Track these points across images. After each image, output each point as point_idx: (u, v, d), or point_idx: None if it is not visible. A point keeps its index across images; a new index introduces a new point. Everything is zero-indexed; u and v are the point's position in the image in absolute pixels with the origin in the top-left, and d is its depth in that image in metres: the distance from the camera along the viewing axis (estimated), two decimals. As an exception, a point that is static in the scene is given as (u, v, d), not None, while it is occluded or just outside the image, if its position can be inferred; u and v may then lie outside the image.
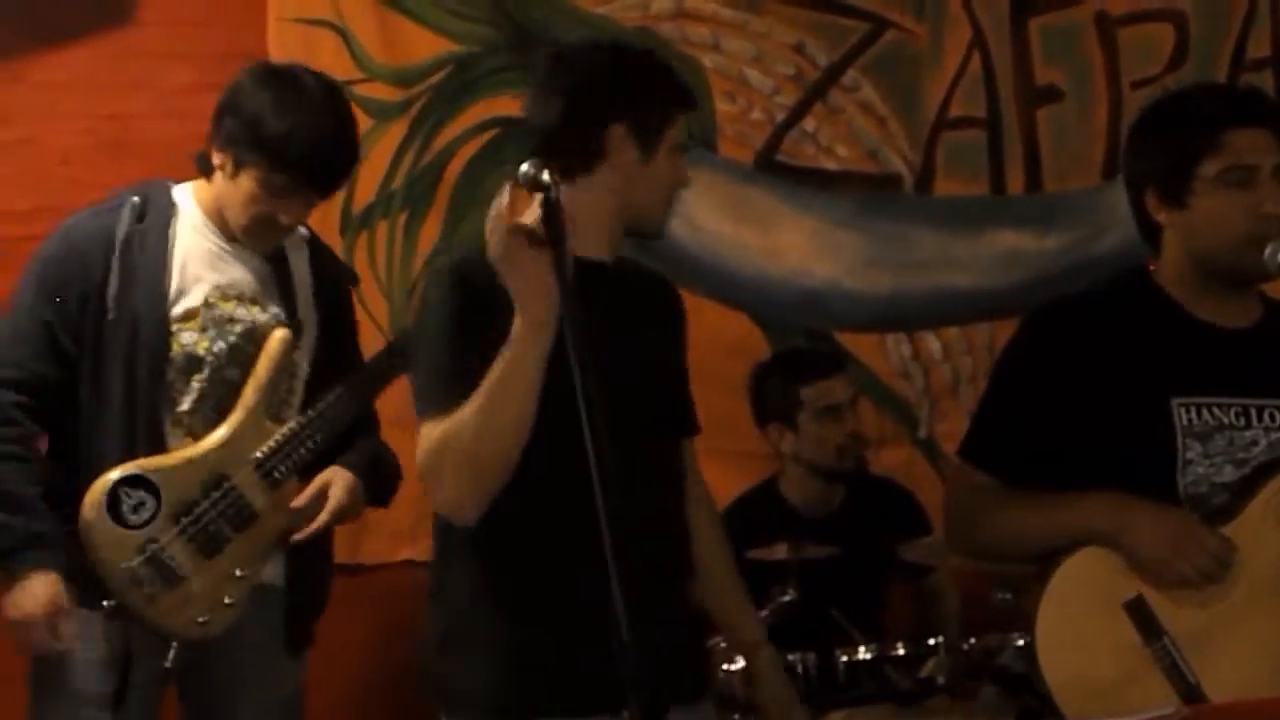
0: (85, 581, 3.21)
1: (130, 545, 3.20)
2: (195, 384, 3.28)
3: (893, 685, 4.04)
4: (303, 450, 3.34)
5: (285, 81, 3.29)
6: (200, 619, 3.25)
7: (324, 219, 4.60)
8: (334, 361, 3.45)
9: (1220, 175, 2.93)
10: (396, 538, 4.74)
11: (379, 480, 3.46)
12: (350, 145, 3.37)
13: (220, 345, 3.29)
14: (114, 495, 3.19)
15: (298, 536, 3.34)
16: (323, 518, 3.35)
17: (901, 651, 4.07)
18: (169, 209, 3.33)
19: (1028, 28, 5.10)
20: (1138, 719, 2.43)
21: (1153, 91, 4.85)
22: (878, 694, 4.04)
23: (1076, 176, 5.11)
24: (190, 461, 3.25)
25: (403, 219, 4.75)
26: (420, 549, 4.73)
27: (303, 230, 3.47)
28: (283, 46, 4.66)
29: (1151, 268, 3.07)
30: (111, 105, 4.53)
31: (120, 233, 3.27)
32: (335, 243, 4.64)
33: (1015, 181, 5.12)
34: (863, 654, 4.05)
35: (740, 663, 3.59)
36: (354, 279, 3.63)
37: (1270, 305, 3.08)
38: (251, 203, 3.28)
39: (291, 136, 3.21)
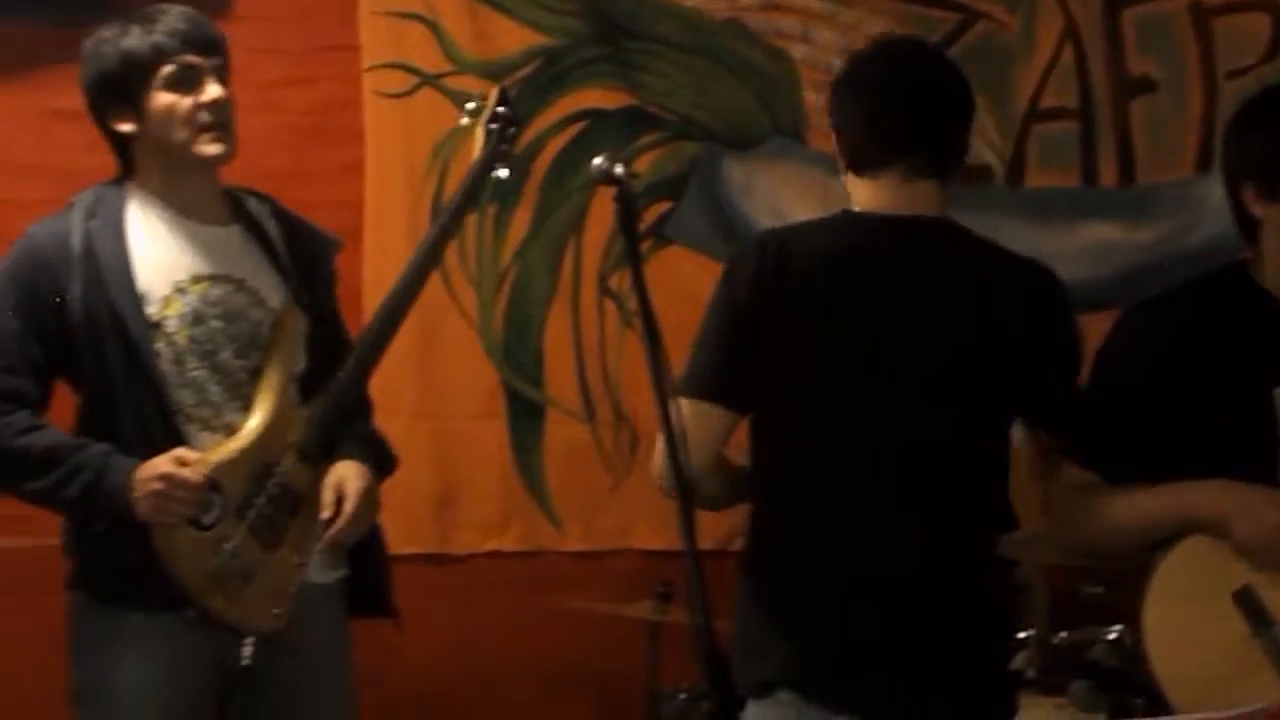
0: (158, 592, 3.11)
1: (208, 548, 3.12)
2: (191, 374, 3.18)
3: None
4: (330, 427, 3.26)
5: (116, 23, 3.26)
6: (275, 610, 3.18)
7: (416, 211, 4.66)
8: (321, 330, 3.33)
9: (1319, 171, 2.90)
10: (485, 529, 4.77)
11: (381, 459, 3.35)
12: (200, 9, 3.30)
13: (203, 329, 3.20)
14: None
15: (331, 534, 3.22)
16: (349, 509, 3.22)
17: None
18: (119, 201, 3.24)
19: (1121, 18, 5.05)
20: (1226, 714, 2.40)
21: (1248, 82, 4.79)
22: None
23: (1170, 168, 5.06)
24: (241, 453, 3.16)
25: (492, 211, 4.77)
26: (508, 540, 4.79)
27: (265, 203, 3.38)
28: (374, 40, 4.70)
29: (1246, 261, 3.04)
30: (206, 98, 4.58)
31: (76, 235, 3.17)
32: (425, 235, 4.69)
33: (1108, 173, 5.07)
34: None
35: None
36: (335, 244, 3.46)
37: None
38: (173, 111, 3.19)
39: (148, 30, 3.18)
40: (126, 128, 3.24)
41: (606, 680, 4.65)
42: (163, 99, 3.20)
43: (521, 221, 4.79)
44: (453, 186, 4.69)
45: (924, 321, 2.92)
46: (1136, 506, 2.94)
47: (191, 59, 3.21)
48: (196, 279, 3.22)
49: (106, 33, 3.24)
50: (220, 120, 3.23)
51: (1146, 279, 4.75)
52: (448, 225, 3.50)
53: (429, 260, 3.42)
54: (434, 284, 3.96)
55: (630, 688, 4.45)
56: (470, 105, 3.53)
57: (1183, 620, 2.85)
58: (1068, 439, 3.03)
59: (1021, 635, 4.08)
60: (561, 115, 4.80)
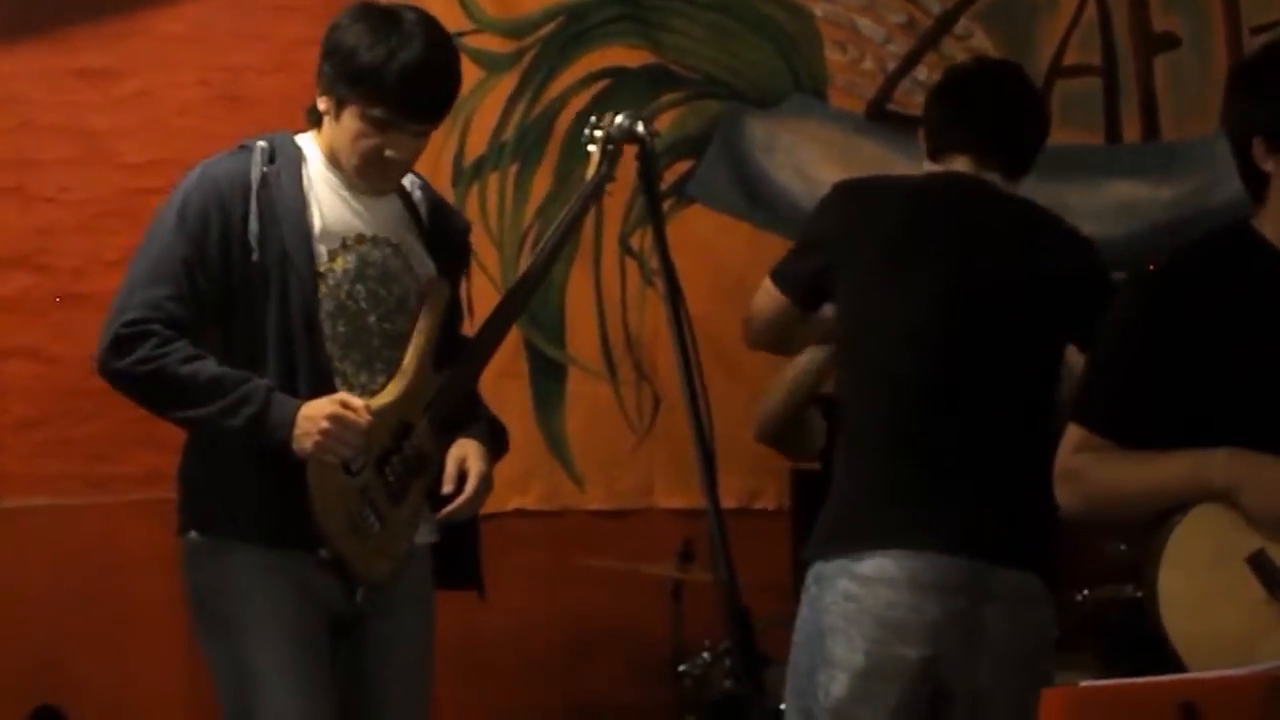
0: (291, 529, 3.15)
1: (353, 493, 3.18)
2: (340, 329, 3.25)
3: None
4: (458, 399, 3.34)
5: (379, 15, 3.24)
6: (388, 566, 3.25)
7: (436, 170, 4.65)
8: (451, 308, 3.42)
9: (1328, 122, 2.88)
10: (507, 486, 4.76)
11: (498, 443, 3.46)
12: (449, 72, 3.29)
13: (360, 288, 3.26)
14: None
15: (451, 509, 3.29)
16: (470, 488, 3.32)
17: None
18: (297, 153, 3.30)
19: (1145, -26, 5.03)
20: (1249, 670, 2.41)
21: (1274, 37, 4.77)
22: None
23: (1194, 125, 5.04)
24: (391, 407, 3.22)
25: (514, 170, 4.77)
26: (530, 498, 4.80)
27: (416, 177, 3.46)
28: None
29: (1254, 219, 3.02)
30: (226, 58, 4.59)
31: (255, 173, 3.23)
32: (447, 194, 4.67)
33: (1131, 130, 5.06)
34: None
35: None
36: (467, 226, 3.59)
37: None
38: (357, 140, 3.22)
39: (385, 67, 3.15)
40: (324, 106, 3.26)
41: (629, 638, 4.67)
42: (354, 126, 3.22)
43: (543, 181, 4.79)
44: (473, 144, 4.70)
45: (982, 251, 3.35)
46: (1146, 472, 2.92)
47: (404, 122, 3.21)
48: (361, 238, 3.28)
49: (365, 24, 3.21)
50: (394, 175, 3.31)
51: (1170, 236, 4.74)
52: (566, 232, 3.49)
53: (554, 256, 3.47)
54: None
55: (653, 645, 4.47)
56: (594, 122, 3.35)
57: (1198, 587, 2.84)
58: (1075, 403, 3.05)
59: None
60: (583, 74, 4.80)
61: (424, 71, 3.19)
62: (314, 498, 3.14)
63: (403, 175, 3.33)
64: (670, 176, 4.81)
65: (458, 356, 3.35)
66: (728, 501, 2.63)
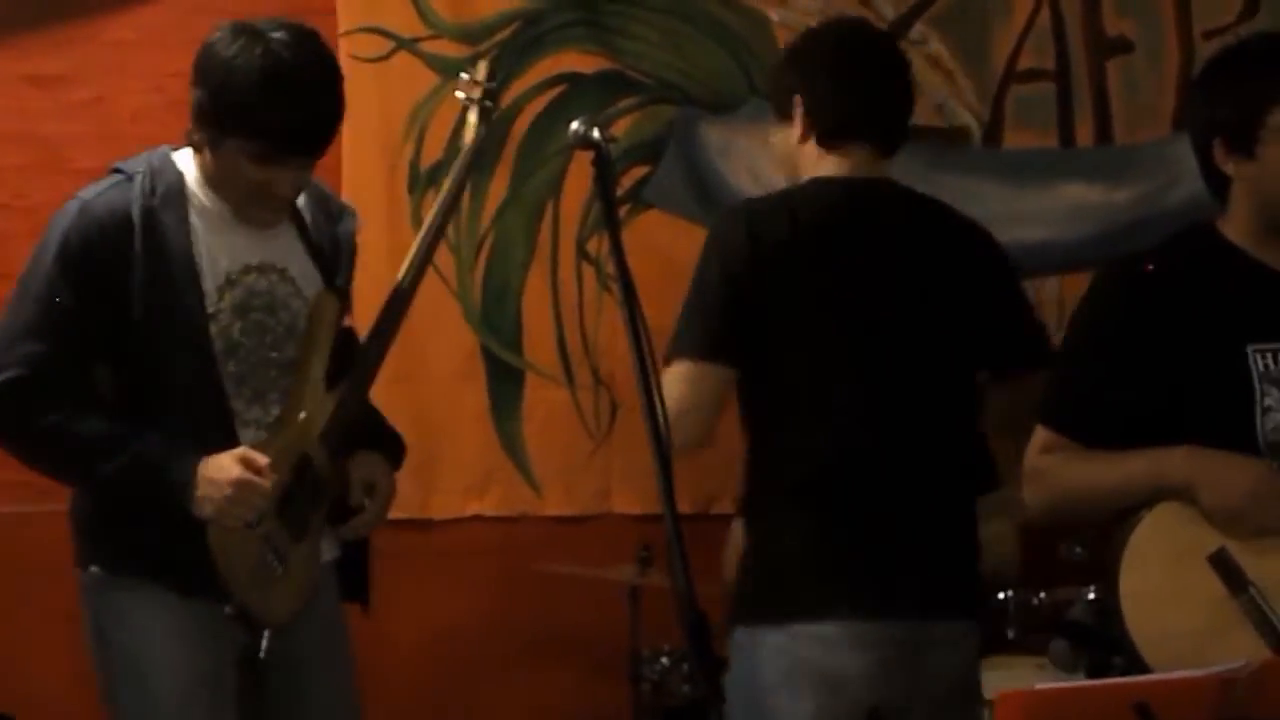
0: (195, 579, 3.08)
1: (254, 545, 3.10)
2: (232, 368, 3.15)
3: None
4: (352, 418, 3.23)
5: (254, 40, 3.05)
6: (294, 608, 3.17)
7: (393, 176, 4.65)
8: (342, 318, 3.31)
9: (1289, 125, 2.90)
10: (465, 493, 4.77)
11: (397, 454, 3.38)
12: (330, 100, 3.10)
13: (249, 322, 3.16)
14: None
15: (354, 525, 3.25)
16: (378, 506, 3.27)
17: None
18: (179, 180, 3.15)
19: (1098, -22, 5.05)
20: (1209, 671, 2.42)
21: (1225, 41, 4.79)
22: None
23: (1147, 128, 5.06)
24: (288, 447, 3.13)
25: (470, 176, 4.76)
26: (488, 503, 4.79)
27: None
28: (349, 3, 4.68)
29: (1217, 221, 3.04)
30: (179, 64, 4.46)
31: (137, 209, 3.09)
32: (403, 200, 4.67)
33: (1085, 134, 5.07)
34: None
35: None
36: (354, 225, 3.39)
37: None
38: (238, 175, 3.09)
39: (262, 101, 3.00)
40: (197, 137, 3.14)
41: (588, 644, 4.67)
42: (234, 162, 3.09)
43: (499, 186, 4.78)
44: (429, 150, 4.69)
45: (902, 280, 3.18)
46: (1108, 472, 2.95)
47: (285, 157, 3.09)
48: (246, 269, 3.18)
49: (244, 57, 3.05)
50: (278, 207, 3.19)
51: (1125, 239, 4.75)
52: (449, 206, 3.44)
53: (433, 244, 3.39)
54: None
55: (612, 651, 4.46)
56: (464, 77, 3.48)
57: (1159, 584, 2.86)
58: (1041, 404, 3.06)
59: (1001, 595, 4.09)
60: (539, 79, 4.79)
61: (303, 103, 3.05)
62: (216, 557, 3.06)
63: (287, 206, 3.19)
64: (626, 182, 4.80)
65: (350, 372, 3.24)
66: (684, 507, 2.61)
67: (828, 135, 3.26)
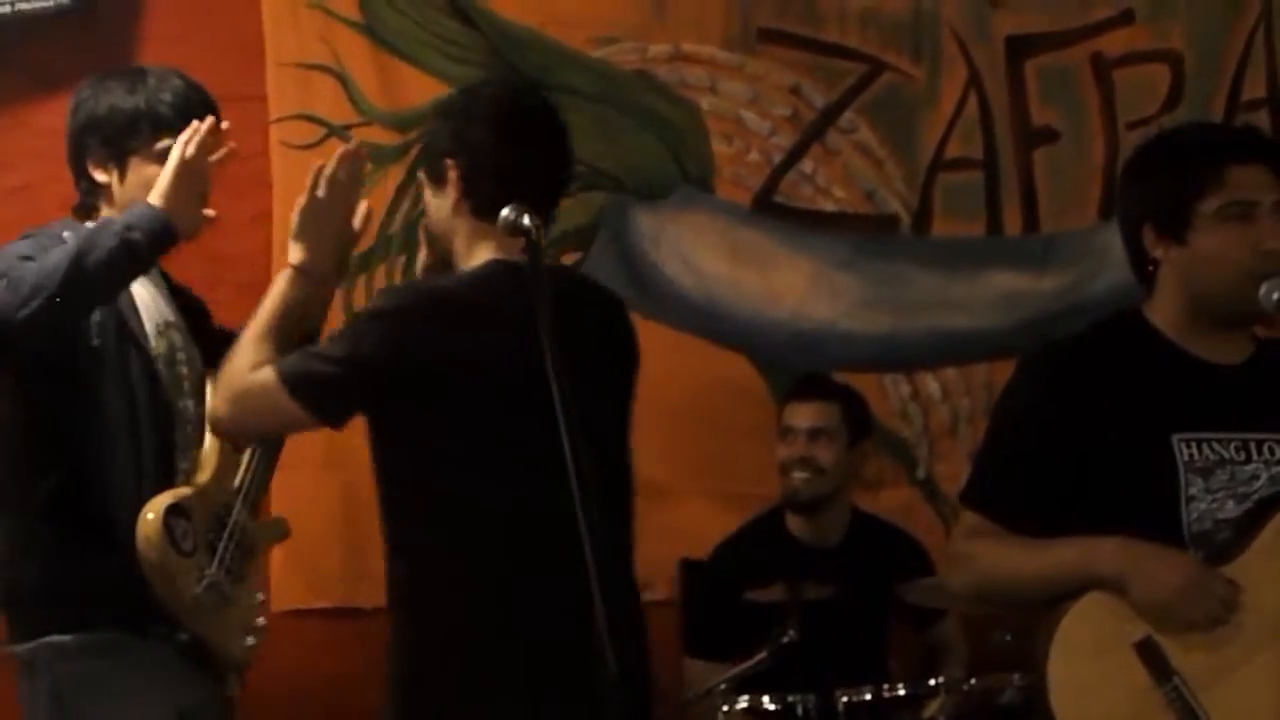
0: (152, 614, 3.17)
1: (192, 574, 3.17)
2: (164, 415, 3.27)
3: (894, 726, 4.03)
4: (267, 477, 3.35)
5: (119, 72, 3.33)
6: (250, 643, 3.27)
7: (322, 262, 4.63)
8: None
9: (1220, 211, 2.93)
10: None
11: None
12: (207, 95, 3.34)
13: (171, 372, 3.29)
14: (168, 525, 3.13)
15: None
16: None
17: (902, 692, 4.05)
18: None
19: (1024, 69, 5.11)
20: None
21: (1148, 132, 4.85)
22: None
23: (1073, 217, 5.12)
24: (204, 492, 3.23)
25: (401, 262, 4.75)
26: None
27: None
28: (280, 91, 4.69)
29: (1144, 308, 3.06)
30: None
31: None
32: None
33: (1012, 222, 5.12)
34: (864, 695, 4.04)
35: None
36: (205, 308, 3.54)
37: (1259, 342, 3.07)
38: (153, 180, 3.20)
39: (155, 98, 3.23)
40: (103, 178, 3.28)
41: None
42: (148, 170, 3.22)
43: (430, 272, 4.77)
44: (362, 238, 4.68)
45: (575, 362, 2.68)
46: (1036, 560, 2.94)
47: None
48: (168, 324, 3.31)
49: (110, 82, 3.28)
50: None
51: (1052, 326, 4.79)
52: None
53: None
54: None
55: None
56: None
57: (1086, 673, 2.86)
58: (966, 486, 3.06)
59: (933, 682, 4.09)
60: (470, 166, 4.79)
61: (191, 90, 3.28)
62: (156, 582, 3.13)
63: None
64: (558, 268, 4.81)
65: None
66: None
67: (486, 211, 2.93)
